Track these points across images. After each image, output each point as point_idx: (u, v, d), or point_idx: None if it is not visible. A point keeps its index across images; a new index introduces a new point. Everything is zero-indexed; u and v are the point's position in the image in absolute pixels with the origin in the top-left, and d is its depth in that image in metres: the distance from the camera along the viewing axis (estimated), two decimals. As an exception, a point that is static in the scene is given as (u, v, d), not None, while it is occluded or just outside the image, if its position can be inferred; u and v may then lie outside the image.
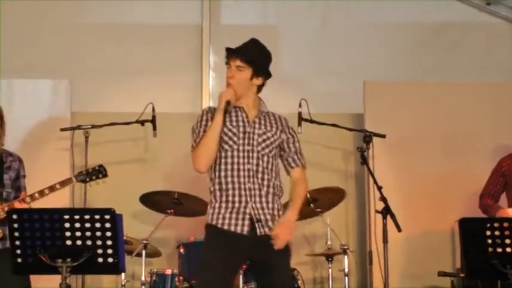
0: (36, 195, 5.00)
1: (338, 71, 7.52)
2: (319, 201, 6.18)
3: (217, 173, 4.61)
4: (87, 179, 5.25)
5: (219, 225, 4.54)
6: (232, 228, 4.53)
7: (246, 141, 4.63)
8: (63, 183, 5.09)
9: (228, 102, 4.58)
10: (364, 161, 5.55)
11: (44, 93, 7.07)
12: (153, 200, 6.27)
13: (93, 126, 6.60)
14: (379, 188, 5.28)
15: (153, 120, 6.59)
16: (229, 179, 4.58)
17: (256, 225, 4.55)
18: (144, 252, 6.04)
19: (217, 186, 4.60)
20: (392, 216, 5.15)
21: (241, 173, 4.57)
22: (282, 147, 4.73)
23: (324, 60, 7.53)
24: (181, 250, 5.90)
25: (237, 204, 4.56)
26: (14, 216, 4.25)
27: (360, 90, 7.15)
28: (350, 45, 7.57)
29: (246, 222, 4.53)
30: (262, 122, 4.70)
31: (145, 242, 6.05)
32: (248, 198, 4.56)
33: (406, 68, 7.55)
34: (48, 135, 6.90)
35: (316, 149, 7.13)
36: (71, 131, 6.62)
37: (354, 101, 7.22)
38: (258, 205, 4.57)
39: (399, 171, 6.99)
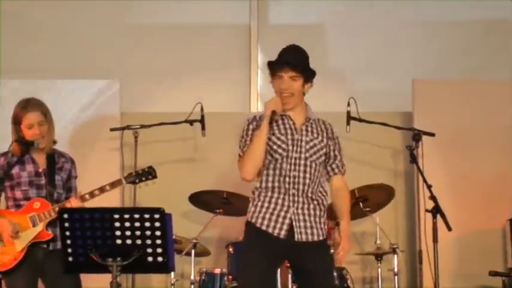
0: (87, 196, 5.03)
1: (386, 69, 7.47)
2: (369, 201, 6.14)
3: (264, 177, 4.63)
4: (137, 181, 5.29)
5: (258, 225, 4.57)
6: (270, 230, 4.55)
7: (295, 148, 4.62)
8: (113, 185, 5.12)
9: (273, 112, 4.56)
10: (413, 159, 5.48)
11: (94, 93, 7.13)
12: (202, 200, 6.28)
13: (143, 126, 6.63)
14: (429, 187, 5.22)
15: (201, 120, 6.59)
16: (275, 184, 4.59)
17: (296, 231, 4.55)
18: (193, 251, 6.05)
19: (262, 187, 4.61)
20: (443, 215, 5.10)
21: (287, 179, 4.58)
22: (328, 154, 4.71)
23: (372, 59, 7.49)
24: (230, 249, 5.90)
25: (278, 207, 4.57)
26: (65, 216, 4.27)
27: (408, 88, 7.09)
28: (398, 43, 7.51)
29: (285, 226, 4.54)
30: (309, 129, 4.69)
31: (194, 241, 6.06)
32: (291, 204, 4.57)
33: (455, 66, 7.47)
34: (98, 135, 6.95)
35: (365, 148, 7.11)
36: (121, 131, 6.66)
37: (403, 99, 7.18)
38: (300, 211, 4.57)
39: (449, 170, 6.92)
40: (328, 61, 7.20)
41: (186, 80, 7.42)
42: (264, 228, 4.55)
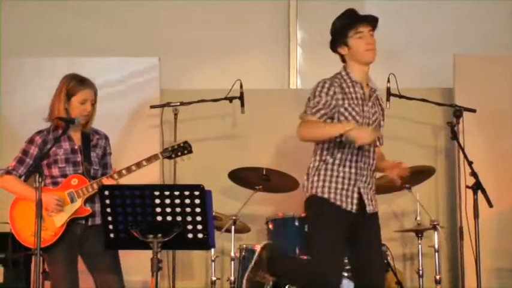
0: (124, 171, 5.06)
1: (427, 45, 7.37)
2: (407, 177, 6.08)
3: (331, 150, 4.57)
4: (173, 155, 5.28)
5: (332, 200, 4.53)
6: (344, 205, 4.53)
7: (365, 120, 4.59)
8: (149, 160, 5.13)
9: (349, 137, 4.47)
10: (454, 136, 5.43)
11: (134, 71, 7.13)
12: (241, 176, 6.28)
13: (182, 104, 6.64)
14: (470, 163, 5.18)
15: (241, 97, 6.58)
16: (344, 156, 4.54)
17: (367, 202, 4.57)
18: (233, 227, 6.06)
19: (329, 160, 4.55)
20: (483, 192, 5.06)
21: (355, 151, 4.55)
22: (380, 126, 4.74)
23: (412, 34, 7.40)
24: (270, 226, 5.90)
25: (346, 181, 4.55)
26: (106, 193, 4.30)
27: (449, 64, 7.00)
28: (440, 18, 7.41)
29: (355, 200, 4.54)
30: (373, 100, 4.67)
31: (234, 217, 6.07)
32: (358, 177, 4.57)
33: (497, 41, 7.34)
34: (138, 112, 6.97)
35: (405, 125, 7.04)
36: (161, 108, 6.69)
37: (444, 75, 7.09)
38: (365, 184, 4.59)
39: (490, 146, 6.82)
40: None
41: (225, 57, 7.40)
42: (338, 203, 4.52)
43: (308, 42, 7.34)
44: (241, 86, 6.59)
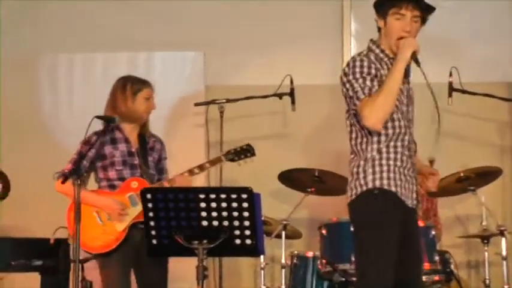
0: (186, 174, 5.14)
1: (492, 37, 7.29)
2: (472, 179, 6.02)
3: (383, 137, 4.28)
4: (236, 158, 5.37)
5: (398, 194, 4.25)
6: (409, 202, 4.29)
7: (408, 107, 4.40)
8: (212, 162, 5.25)
9: (413, 53, 4.24)
10: (522, 133, 5.32)
11: (177, 66, 7.15)
12: (292, 178, 6.24)
13: (228, 101, 6.61)
14: (540, 163, 5.06)
15: (291, 93, 6.54)
16: (398, 143, 4.29)
17: (420, 198, 4.42)
18: (283, 233, 6.01)
19: (384, 149, 4.28)
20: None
21: (406, 137, 4.31)
22: None
23: (476, 26, 7.30)
24: (323, 231, 5.83)
25: (405, 172, 4.29)
26: (148, 196, 4.28)
27: (514, 56, 6.93)
28: (502, 10, 7.33)
29: (414, 194, 4.32)
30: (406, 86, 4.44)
31: (284, 222, 6.03)
32: (410, 165, 4.33)
33: None
34: (181, 110, 7.00)
35: (467, 122, 6.98)
36: (205, 106, 6.69)
37: (508, 68, 7.08)
38: (414, 175, 4.36)
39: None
40: (428, 28, 7.02)
41: (274, 51, 7.38)
42: (403, 198, 4.25)
43: (363, 34, 7.23)
44: (291, 82, 6.55)
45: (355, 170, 4.32)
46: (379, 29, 4.41)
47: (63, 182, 4.89)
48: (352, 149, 4.39)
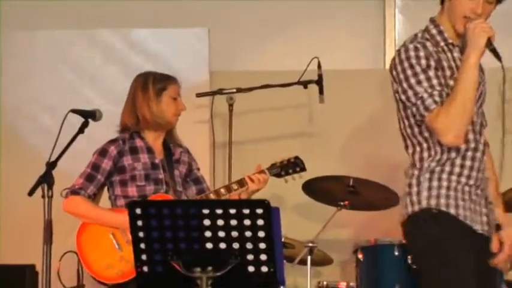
0: (211, 196, 5.29)
1: None
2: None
3: (444, 149, 4.32)
4: (283, 173, 5.52)
5: (461, 217, 4.28)
6: (477, 226, 4.31)
7: (480, 104, 4.43)
8: (240, 183, 5.37)
9: (488, 40, 4.25)
10: None
11: (174, 47, 7.21)
12: (320, 189, 6.27)
13: (240, 90, 6.64)
14: None
15: (319, 81, 6.54)
16: (469, 153, 4.34)
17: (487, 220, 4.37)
18: (309, 258, 6.04)
19: (446, 162, 4.32)
20: None
21: (479, 147, 4.36)
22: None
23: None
24: (360, 256, 5.87)
25: (472, 190, 4.32)
26: (138, 211, 4.26)
27: None
28: None
29: (484, 218, 4.33)
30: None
31: (310, 244, 6.04)
32: (483, 184, 4.37)
33: None
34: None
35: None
36: (210, 96, 6.73)
37: None
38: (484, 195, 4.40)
39: None
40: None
41: (296, 28, 7.42)
42: (468, 222, 4.28)
43: (412, 8, 7.30)
44: (319, 66, 6.57)
45: (408, 182, 4.40)
46: (442, 1, 4.45)
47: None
48: (409, 157, 4.48)
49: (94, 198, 5.32)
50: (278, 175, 5.52)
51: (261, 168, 5.48)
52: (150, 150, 5.37)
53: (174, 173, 5.39)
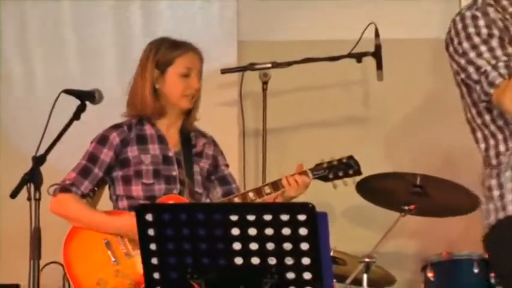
0: (236, 201, 5.26)
1: None
2: None
3: None
4: (331, 176, 5.43)
5: None
6: None
7: None
8: (275, 186, 5.31)
9: None
10: None
11: (195, 14, 7.30)
12: (378, 189, 6.29)
13: (275, 65, 6.67)
14: None
15: (376, 52, 6.57)
16: None
17: None
18: (365, 276, 6.03)
19: None
20: None
21: None
22: None
23: None
24: (429, 274, 5.91)
25: None
26: (148, 217, 4.26)
27: None
28: None
29: None
30: None
31: (367, 260, 6.03)
32: None
33: None
34: (203, 81, 6.94)
35: None
36: (239, 73, 6.77)
37: None
38: None
39: None
40: None
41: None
42: None
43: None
44: (376, 35, 6.60)
45: (487, 184, 4.38)
46: None
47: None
48: (481, 153, 4.46)
49: (92, 197, 5.30)
50: (324, 178, 5.45)
51: (303, 168, 5.41)
52: (162, 140, 5.34)
53: (193, 169, 5.36)
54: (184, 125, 5.42)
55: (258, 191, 5.29)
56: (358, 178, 5.56)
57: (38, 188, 4.77)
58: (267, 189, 5.29)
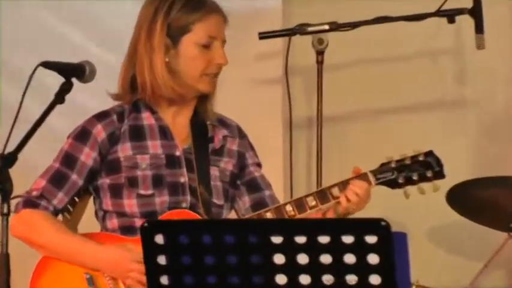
0: (269, 216, 5.20)
1: None
2: None
3: None
4: (400, 180, 5.37)
5: None
6: None
7: None
8: (322, 196, 5.25)
9: None
10: None
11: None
12: (477, 200, 6.29)
13: (334, 27, 6.67)
14: None
15: (475, 10, 6.54)
16: None
17: None
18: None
19: None
20: None
21: None
22: None
23: None
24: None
25: None
26: (158, 240, 4.22)
27: None
28: None
29: None
30: None
31: (463, 295, 6.03)
32: None
33: None
34: (235, 52, 6.91)
35: None
36: (284, 38, 6.76)
37: None
38: None
39: None
40: None
41: None
42: None
43: None
44: None
45: None
46: None
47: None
48: None
49: (71, 213, 5.25)
50: (392, 183, 5.39)
51: (360, 171, 5.37)
52: (166, 134, 5.30)
53: (210, 173, 5.31)
54: (198, 111, 5.34)
55: (299, 204, 5.23)
56: (439, 183, 5.36)
57: (5, 199, 4.64)
58: (311, 201, 5.22)
